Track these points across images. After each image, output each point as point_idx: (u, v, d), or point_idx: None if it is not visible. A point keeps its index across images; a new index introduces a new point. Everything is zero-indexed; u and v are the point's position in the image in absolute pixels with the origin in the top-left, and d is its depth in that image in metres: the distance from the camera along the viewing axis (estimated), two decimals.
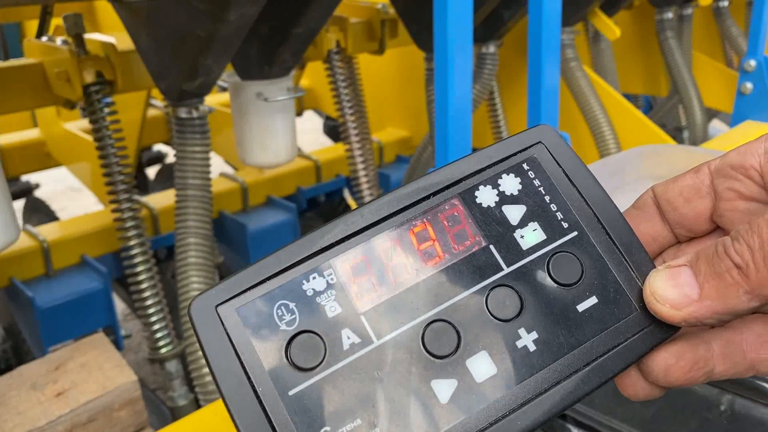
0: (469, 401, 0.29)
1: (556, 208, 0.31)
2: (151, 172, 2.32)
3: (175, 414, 1.14)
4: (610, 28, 1.57)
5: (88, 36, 1.09)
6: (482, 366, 0.29)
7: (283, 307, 0.30)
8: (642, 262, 0.31)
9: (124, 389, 0.92)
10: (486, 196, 0.32)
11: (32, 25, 1.84)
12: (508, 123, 1.63)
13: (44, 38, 1.18)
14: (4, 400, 0.87)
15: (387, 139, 1.96)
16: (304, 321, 0.30)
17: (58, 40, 1.16)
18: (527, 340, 0.30)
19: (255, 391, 0.28)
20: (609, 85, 1.60)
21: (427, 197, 0.32)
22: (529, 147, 0.32)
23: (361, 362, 0.29)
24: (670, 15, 1.84)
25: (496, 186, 0.32)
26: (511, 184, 0.32)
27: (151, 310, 1.10)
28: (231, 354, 0.29)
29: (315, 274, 0.30)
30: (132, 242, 1.10)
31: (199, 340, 0.29)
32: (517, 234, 0.31)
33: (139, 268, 1.10)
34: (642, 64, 2.13)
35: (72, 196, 3.08)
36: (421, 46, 1.35)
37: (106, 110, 1.08)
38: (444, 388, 0.29)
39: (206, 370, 0.97)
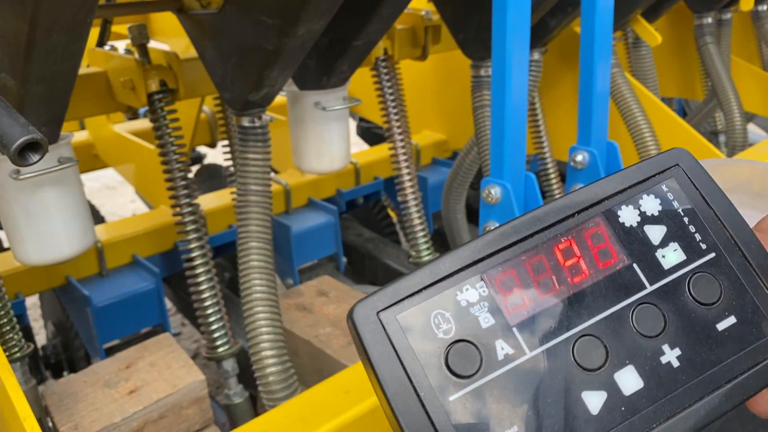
0: (617, 413, 0.31)
1: (694, 230, 0.34)
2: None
3: (231, 411, 1.18)
4: (652, 34, 1.57)
5: (151, 45, 1.12)
6: (629, 380, 0.31)
7: (439, 316, 0.32)
8: None
9: (192, 388, 0.96)
10: (628, 216, 0.34)
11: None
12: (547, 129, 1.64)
13: (106, 47, 1.22)
14: (81, 396, 0.91)
15: (423, 142, 1.98)
16: (460, 330, 0.32)
17: (120, 49, 1.19)
18: (671, 356, 0.32)
19: (419, 396, 0.30)
20: (649, 90, 1.61)
21: (572, 215, 0.34)
22: (667, 169, 0.34)
23: (515, 372, 0.32)
24: (709, 20, 1.84)
25: (637, 206, 0.34)
26: (651, 204, 0.34)
27: (209, 310, 1.13)
28: (395, 359, 0.31)
29: (468, 286, 0.33)
30: (192, 243, 1.13)
31: (362, 345, 0.31)
32: (659, 253, 0.33)
33: (199, 270, 1.13)
34: (677, 67, 2.13)
35: (108, 194, 3.15)
36: (467, 54, 1.36)
37: (169, 117, 1.11)
38: (594, 400, 0.31)
39: (270, 370, 1.00)
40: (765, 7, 1.99)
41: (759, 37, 2.03)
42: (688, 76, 2.12)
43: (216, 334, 1.14)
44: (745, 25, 2.09)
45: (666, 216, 0.34)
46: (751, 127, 2.54)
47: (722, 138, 2.12)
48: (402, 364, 0.31)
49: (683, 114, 2.52)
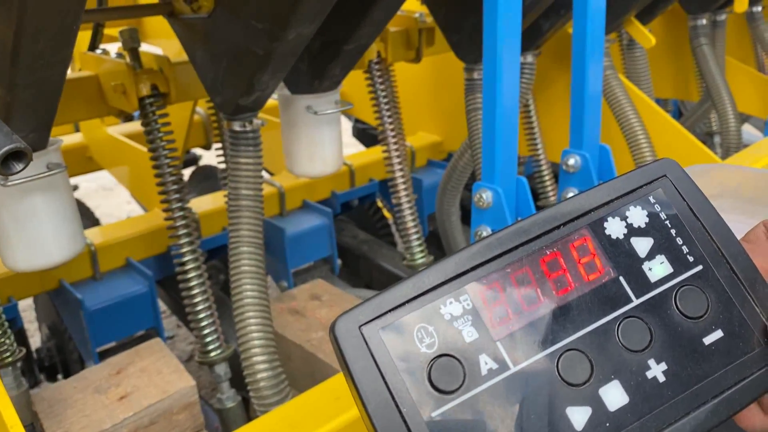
0: (602, 429, 0.31)
1: (681, 242, 0.33)
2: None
3: (223, 416, 1.17)
4: (646, 36, 1.57)
5: (142, 49, 1.11)
6: (615, 395, 0.31)
7: (422, 330, 0.31)
8: (765, 298, 0.32)
9: (183, 393, 0.95)
10: (614, 228, 0.33)
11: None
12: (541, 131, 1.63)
13: (98, 51, 1.21)
14: (71, 402, 0.90)
15: (419, 144, 1.97)
16: (444, 345, 0.31)
17: (112, 53, 1.19)
18: (657, 371, 0.31)
19: (400, 413, 0.30)
20: (643, 92, 1.61)
21: (557, 227, 0.33)
22: (654, 180, 0.34)
23: (499, 387, 0.31)
24: (704, 21, 1.84)
25: (624, 218, 0.33)
26: (638, 216, 0.33)
27: (201, 315, 1.13)
28: (376, 374, 0.30)
29: (451, 299, 0.32)
30: (184, 247, 1.12)
31: (343, 359, 0.31)
32: (645, 266, 0.33)
33: (191, 274, 1.12)
34: (672, 68, 2.13)
35: (104, 195, 3.14)
36: (460, 56, 1.36)
37: (160, 121, 1.10)
38: (579, 416, 0.31)
39: (261, 375, 0.99)
40: (759, 9, 1.99)
41: (753, 38, 2.04)
42: (684, 78, 2.12)
43: (208, 339, 1.13)
44: (740, 26, 2.09)
45: (653, 228, 0.33)
46: (747, 128, 2.54)
47: (717, 139, 2.12)
48: (384, 379, 0.30)
49: (679, 115, 2.52)
